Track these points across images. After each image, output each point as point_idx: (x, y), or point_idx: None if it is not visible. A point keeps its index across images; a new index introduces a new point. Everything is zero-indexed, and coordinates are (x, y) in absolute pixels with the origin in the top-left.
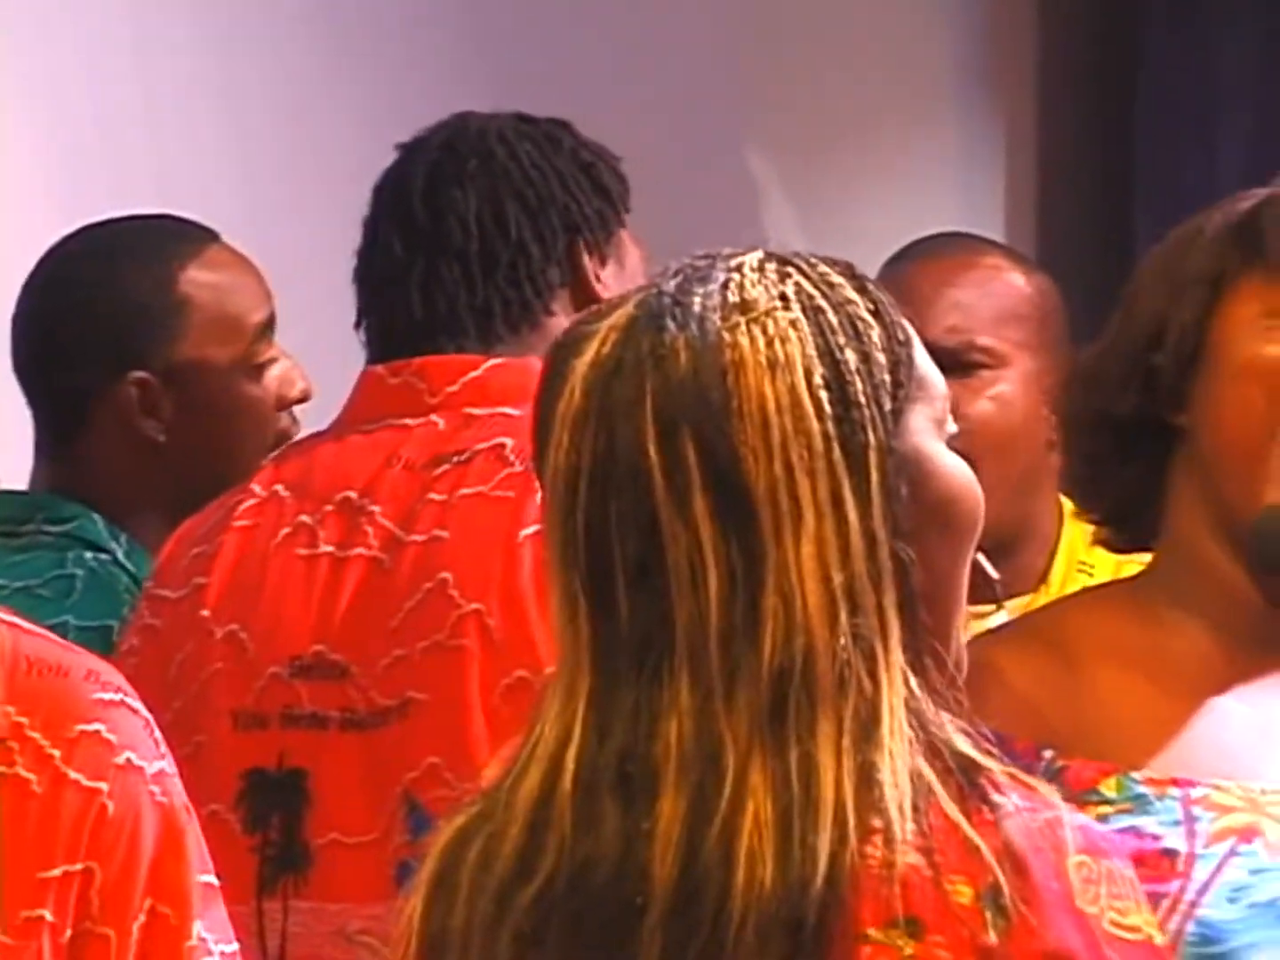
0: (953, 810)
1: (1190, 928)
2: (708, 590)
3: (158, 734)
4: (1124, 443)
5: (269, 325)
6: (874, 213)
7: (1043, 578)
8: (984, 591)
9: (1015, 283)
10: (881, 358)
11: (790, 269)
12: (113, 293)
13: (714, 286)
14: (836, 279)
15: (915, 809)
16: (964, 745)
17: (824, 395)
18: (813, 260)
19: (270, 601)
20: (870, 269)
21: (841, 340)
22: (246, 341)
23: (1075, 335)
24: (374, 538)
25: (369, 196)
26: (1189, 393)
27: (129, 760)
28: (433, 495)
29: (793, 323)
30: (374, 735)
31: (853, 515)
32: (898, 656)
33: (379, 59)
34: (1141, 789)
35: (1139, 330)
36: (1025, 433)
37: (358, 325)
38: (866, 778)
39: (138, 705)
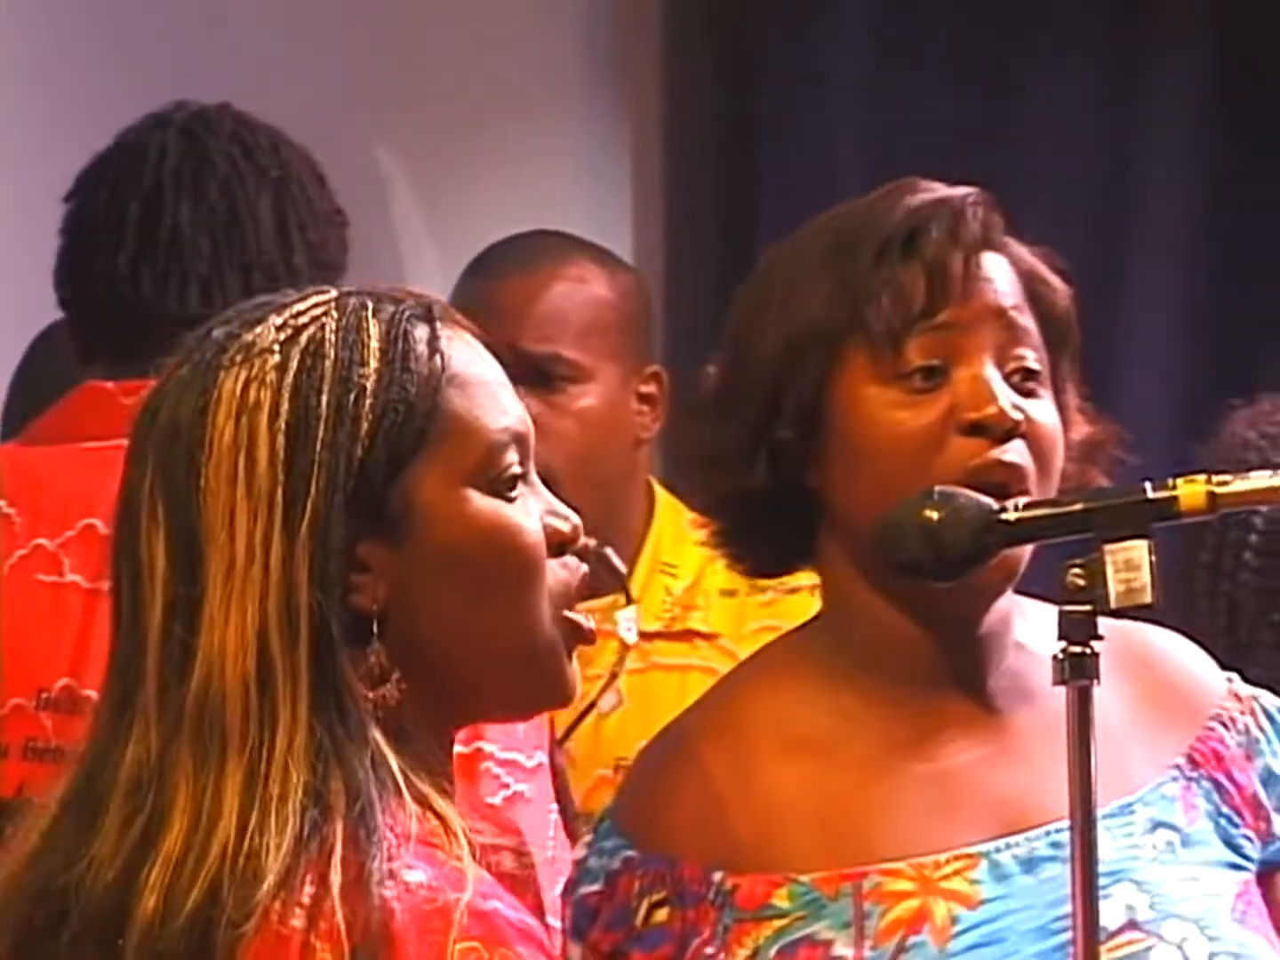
0: (337, 880)
1: None
2: (152, 622)
3: None
4: (762, 513)
5: None
6: (502, 209)
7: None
8: (611, 585)
9: (599, 292)
10: (370, 407)
11: (332, 312)
12: None
13: (243, 325)
14: (372, 325)
15: (318, 875)
16: (378, 808)
17: (281, 440)
18: (373, 302)
19: (12, 631)
20: None
21: (324, 388)
22: None
23: (700, 330)
24: None
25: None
26: (818, 457)
27: None
28: None
29: (279, 366)
30: None
31: (275, 560)
32: (304, 705)
33: (20, 55)
34: (814, 893)
35: (755, 399)
36: (610, 442)
37: (63, 304)
38: (262, 826)
39: None
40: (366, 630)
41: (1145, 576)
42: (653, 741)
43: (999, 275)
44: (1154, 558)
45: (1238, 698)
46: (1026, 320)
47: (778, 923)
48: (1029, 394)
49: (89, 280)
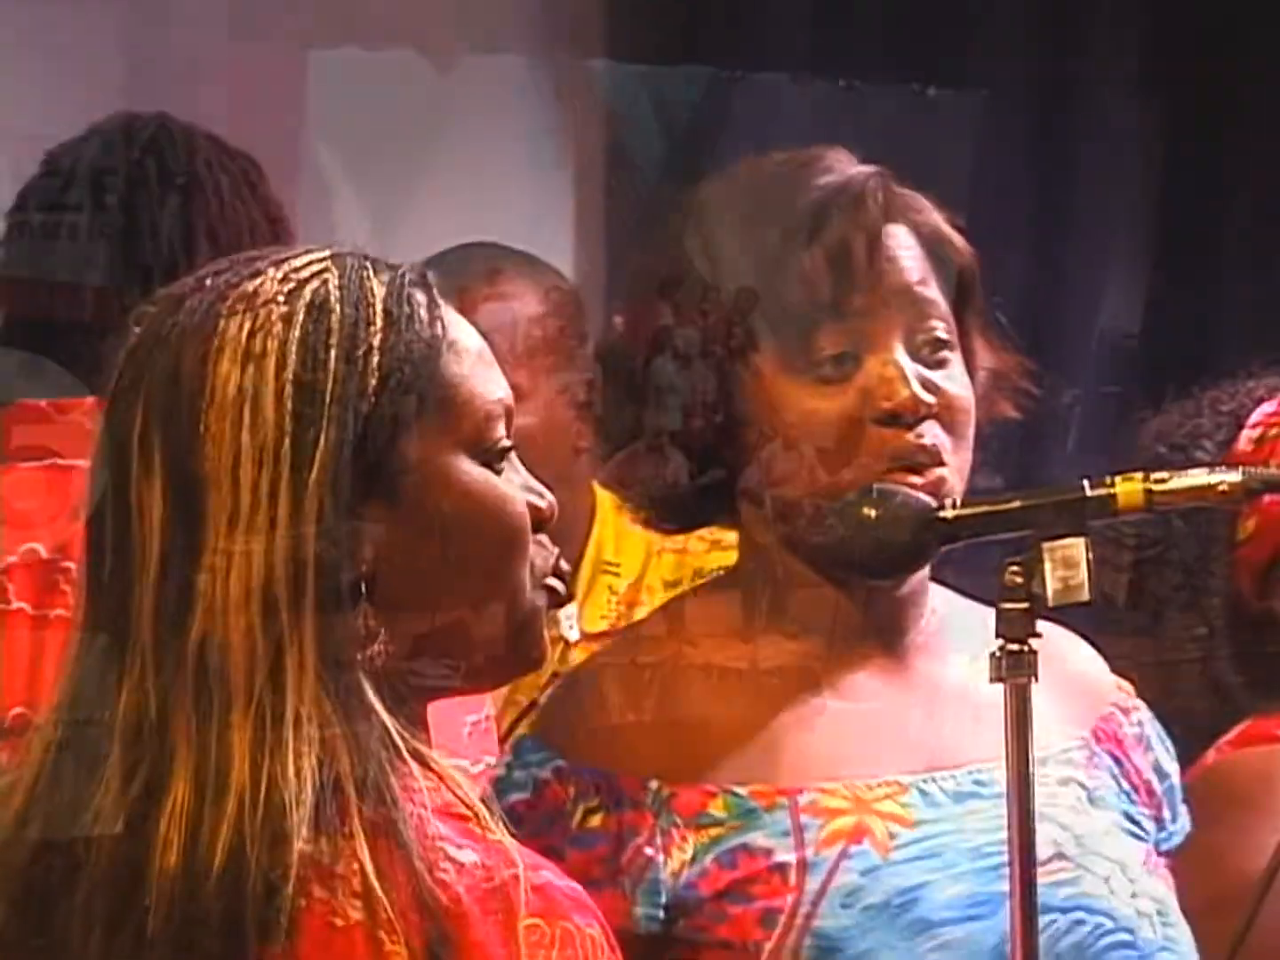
0: (367, 856)
1: (807, 941)
2: (149, 569)
3: None
4: (680, 496)
5: None
6: (445, 212)
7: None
8: None
9: (529, 309)
10: (376, 364)
11: (331, 269)
12: None
13: (240, 276)
14: (375, 286)
15: (352, 851)
16: (389, 771)
17: (290, 390)
18: (370, 264)
19: None
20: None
21: (332, 340)
22: None
23: None
24: (73, 598)
25: None
26: (733, 441)
27: None
28: None
29: (285, 316)
30: None
31: (284, 510)
32: (311, 660)
33: None
34: (750, 803)
35: (667, 390)
36: (552, 455)
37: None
38: (280, 782)
39: None
40: (356, 590)
41: (1083, 574)
42: (571, 673)
43: (903, 251)
44: (1091, 555)
45: (1128, 693)
46: (932, 291)
47: (714, 830)
48: (939, 364)
49: (5, 291)
